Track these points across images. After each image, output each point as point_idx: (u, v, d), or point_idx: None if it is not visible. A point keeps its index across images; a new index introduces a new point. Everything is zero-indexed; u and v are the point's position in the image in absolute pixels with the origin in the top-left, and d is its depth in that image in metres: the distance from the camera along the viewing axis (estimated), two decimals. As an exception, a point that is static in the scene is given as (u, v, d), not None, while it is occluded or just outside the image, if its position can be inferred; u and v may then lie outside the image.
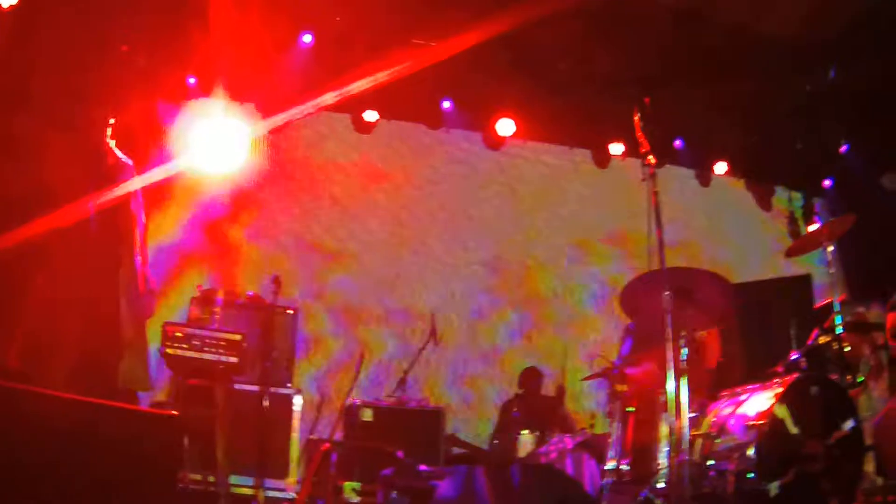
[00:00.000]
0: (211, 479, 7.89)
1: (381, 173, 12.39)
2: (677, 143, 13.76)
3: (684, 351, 6.30)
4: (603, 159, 13.57)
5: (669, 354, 5.96)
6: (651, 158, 6.42)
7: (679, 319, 6.29)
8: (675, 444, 6.34)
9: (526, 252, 13.14)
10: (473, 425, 11.57)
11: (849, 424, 6.53)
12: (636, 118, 6.71)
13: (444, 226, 12.60)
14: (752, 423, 6.23)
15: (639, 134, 6.65)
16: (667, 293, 5.95)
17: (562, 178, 13.53)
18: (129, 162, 7.72)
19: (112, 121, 7.69)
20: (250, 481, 8.59)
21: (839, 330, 7.50)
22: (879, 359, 8.24)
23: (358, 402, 9.93)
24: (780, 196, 15.55)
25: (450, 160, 12.85)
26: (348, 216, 12.14)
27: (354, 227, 12.09)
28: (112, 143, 7.61)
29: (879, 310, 8.55)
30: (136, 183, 7.73)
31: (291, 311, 9.92)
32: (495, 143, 12.95)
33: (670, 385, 6.02)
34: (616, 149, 12.81)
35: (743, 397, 6.70)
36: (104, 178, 7.37)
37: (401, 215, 12.42)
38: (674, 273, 6.22)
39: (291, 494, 8.91)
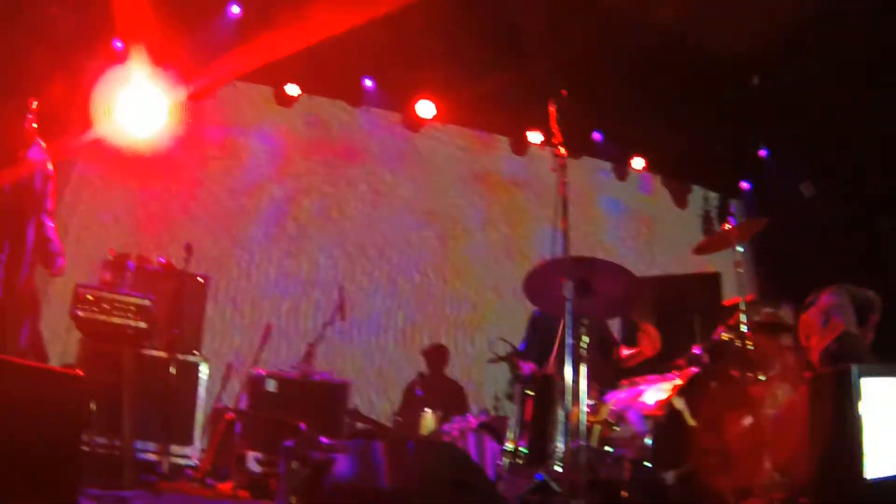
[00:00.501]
0: (117, 443, 7.89)
1: (299, 147, 12.41)
2: (596, 136, 13.90)
3: (584, 339, 6.37)
4: (521, 147, 13.70)
5: (569, 342, 6.04)
6: (562, 149, 6.48)
7: (579, 308, 6.37)
8: (573, 430, 6.44)
9: (438, 232, 13.22)
10: (377, 401, 11.61)
11: (747, 420, 6.67)
12: (552, 109, 6.77)
13: (357, 202, 12.63)
14: (650, 413, 6.34)
15: (553, 124, 6.70)
16: (567, 282, 6.02)
17: (479, 163, 13.65)
18: (43, 144, 7.75)
19: (35, 104, 7.71)
20: (155, 447, 8.62)
21: (744, 328, 7.66)
22: (786, 359, 8.37)
23: (263, 372, 9.91)
24: (697, 195, 15.74)
25: (368, 138, 12.88)
26: (262, 188, 12.14)
27: (268, 198, 12.08)
28: (34, 127, 7.65)
29: (790, 312, 8.68)
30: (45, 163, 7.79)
31: (202, 280, 9.94)
32: (415, 124, 13.00)
33: (569, 372, 6.11)
34: (535, 137, 12.89)
35: (643, 387, 6.81)
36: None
37: (315, 190, 12.44)
38: (576, 262, 6.28)
39: (195, 462, 8.92)
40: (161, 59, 10.67)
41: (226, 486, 8.35)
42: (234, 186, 11.89)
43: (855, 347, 8.76)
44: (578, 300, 6.24)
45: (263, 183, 12.14)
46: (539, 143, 12.96)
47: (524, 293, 6.86)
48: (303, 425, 8.65)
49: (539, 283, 6.70)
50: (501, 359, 7.69)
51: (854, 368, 5.83)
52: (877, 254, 10.08)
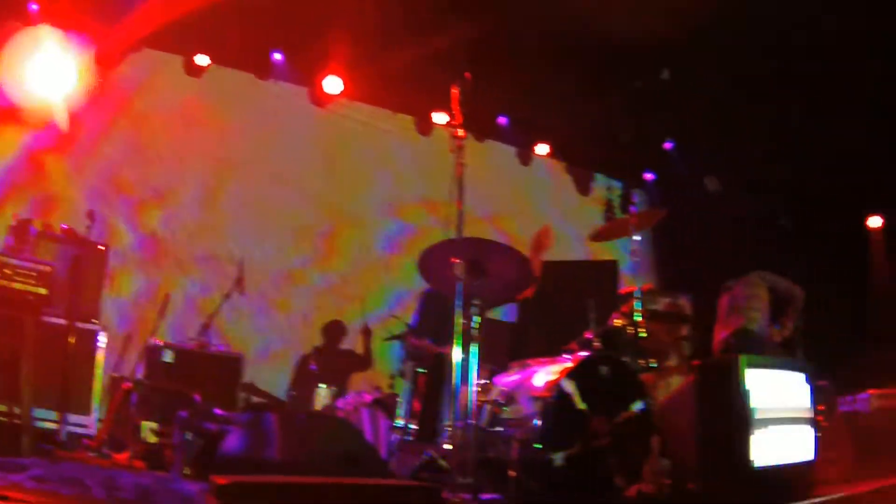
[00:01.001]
0: (16, 410, 7.85)
1: (206, 118, 12.27)
2: (502, 120, 13.99)
3: (476, 319, 6.44)
4: (426, 127, 13.79)
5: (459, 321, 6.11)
6: (460, 131, 6.54)
7: (471, 288, 6.45)
8: (463, 409, 6.52)
9: (340, 209, 13.23)
10: (274, 376, 11.57)
11: (638, 406, 6.76)
12: (455, 91, 6.82)
13: (260, 176, 12.55)
14: (539, 394, 6.39)
15: (455, 106, 6.76)
16: (459, 262, 6.09)
17: (383, 142, 13.66)
18: None
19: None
20: (53, 415, 8.56)
21: (637, 316, 7.78)
22: (682, 349, 8.49)
23: (160, 342, 9.87)
24: (600, 183, 15.90)
25: (275, 112, 12.81)
26: (168, 157, 11.99)
27: (173, 168, 11.95)
28: None
29: (688, 302, 8.80)
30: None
31: (103, 248, 9.83)
32: (322, 100, 12.97)
33: (459, 351, 6.19)
34: (440, 118, 12.92)
35: (533, 369, 6.87)
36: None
37: (220, 162, 12.35)
38: (469, 243, 6.35)
39: (93, 431, 8.88)
40: (71, 23, 10.60)
41: (122, 456, 8.29)
42: (137, 155, 11.76)
43: (750, 344, 8.94)
44: (470, 281, 6.32)
45: (166, 153, 12.00)
46: (444, 124, 12.97)
47: (419, 272, 6.94)
48: (197, 397, 8.67)
49: (433, 263, 6.77)
50: (395, 337, 7.74)
51: (742, 358, 5.97)
52: (779, 250, 10.24)
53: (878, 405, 11.35)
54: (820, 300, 12.18)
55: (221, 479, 3.58)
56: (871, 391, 11.75)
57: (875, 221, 15.86)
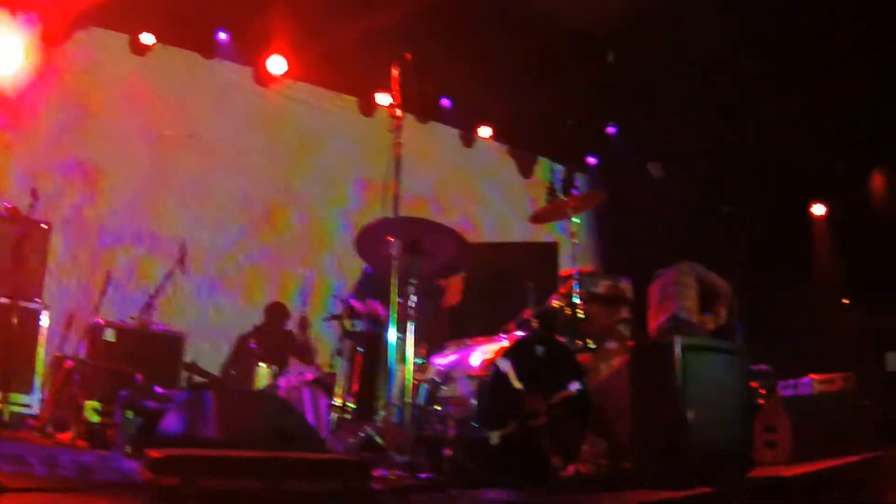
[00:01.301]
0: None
1: (151, 97, 12.19)
2: (445, 102, 14.04)
3: (412, 298, 6.50)
4: (369, 108, 13.84)
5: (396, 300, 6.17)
6: (398, 111, 6.59)
7: (408, 268, 6.51)
8: (400, 387, 6.58)
9: (283, 189, 13.26)
10: (216, 355, 11.58)
11: (574, 386, 6.83)
12: (395, 71, 6.88)
13: (203, 155, 12.52)
14: (475, 373, 6.44)
15: (395, 87, 6.81)
16: (395, 240, 6.14)
17: (327, 122, 13.69)
18: None
19: None
20: (-4, 395, 8.55)
21: (576, 298, 7.85)
22: (621, 332, 8.57)
23: (102, 321, 9.86)
24: (543, 167, 15.98)
25: (219, 91, 12.80)
26: (113, 136, 11.90)
27: (118, 147, 11.85)
28: None
29: (629, 286, 8.88)
30: None
31: (45, 226, 9.83)
32: (266, 80, 12.99)
33: (395, 331, 6.25)
34: (383, 99, 12.92)
35: (470, 349, 6.91)
36: None
37: (164, 141, 12.24)
38: (405, 222, 6.40)
39: (36, 410, 8.88)
40: (17, 1, 10.56)
41: (65, 436, 8.29)
42: (82, 134, 11.67)
43: (685, 330, 9.07)
44: (407, 260, 6.39)
45: (111, 132, 11.91)
46: (387, 105, 13.00)
47: (355, 251, 6.98)
48: (139, 376, 8.68)
49: (369, 242, 6.82)
50: (335, 317, 7.76)
51: (677, 339, 6.05)
52: (721, 235, 10.35)
53: (820, 390, 11.52)
54: (762, 287, 12.33)
55: (155, 453, 3.63)
56: (812, 376, 11.91)
57: (818, 209, 16.06)
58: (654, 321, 10.01)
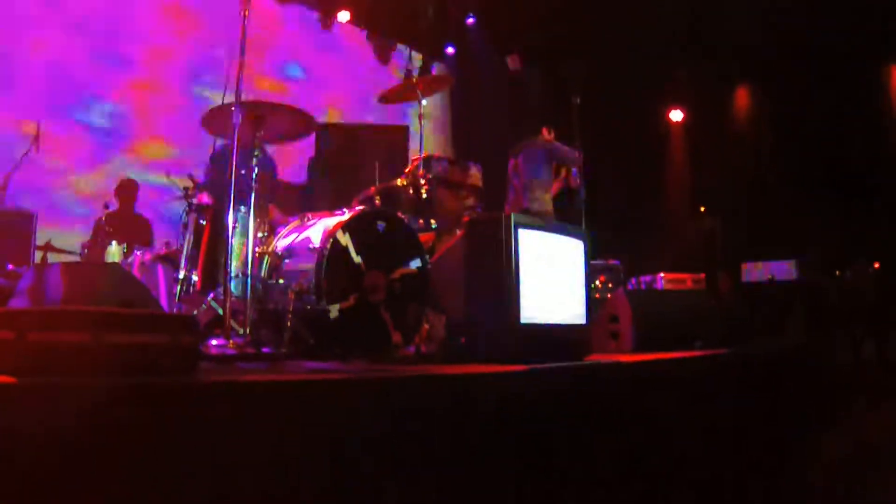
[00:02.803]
0: None
1: None
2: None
3: (255, 170, 6.58)
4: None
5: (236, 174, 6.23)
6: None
7: (250, 138, 6.60)
8: (241, 260, 6.69)
9: (141, 72, 13.25)
10: (70, 236, 11.52)
11: (415, 263, 7.01)
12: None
13: (56, 32, 12.39)
14: (314, 246, 6.53)
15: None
16: (237, 110, 6.20)
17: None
18: None
19: None
20: None
21: (421, 180, 8.00)
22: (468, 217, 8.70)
23: (-50, 202, 9.81)
24: (401, 54, 16.10)
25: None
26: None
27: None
28: None
29: (478, 173, 9.00)
30: None
31: None
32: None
33: (238, 203, 6.33)
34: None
35: (311, 222, 7.03)
36: None
37: (16, 20, 12.02)
38: (248, 105, 6.49)
39: None
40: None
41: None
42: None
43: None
44: (250, 131, 6.49)
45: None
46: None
47: (202, 126, 7.04)
48: (-11, 253, 8.68)
49: (216, 118, 6.88)
50: (182, 196, 7.76)
51: (512, 216, 6.19)
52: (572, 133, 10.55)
53: (670, 288, 11.90)
54: (619, 187, 12.63)
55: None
56: (664, 274, 12.28)
57: (676, 115, 16.45)
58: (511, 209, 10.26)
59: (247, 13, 6.45)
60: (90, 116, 12.66)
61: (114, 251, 9.64)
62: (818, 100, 14.15)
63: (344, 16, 14.88)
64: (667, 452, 5.97)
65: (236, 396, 3.59)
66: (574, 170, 10.67)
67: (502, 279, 6.03)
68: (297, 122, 7.15)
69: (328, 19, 15.13)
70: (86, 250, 10.24)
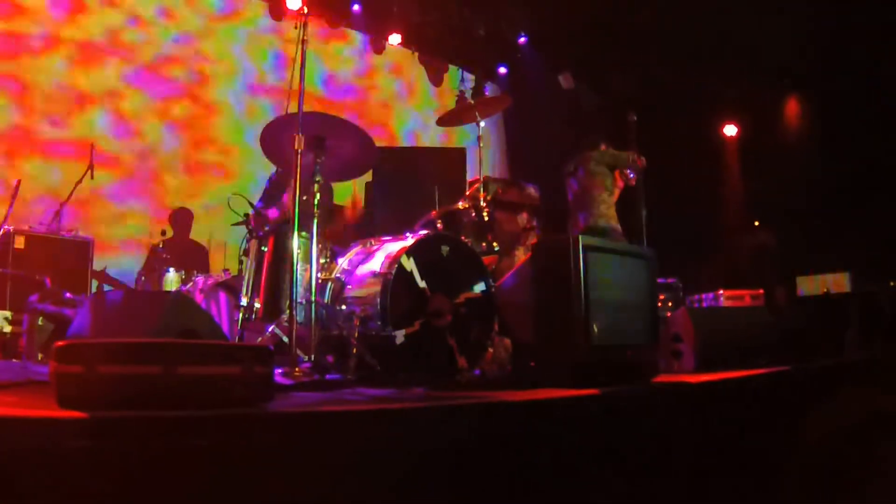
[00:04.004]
0: None
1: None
2: (355, 8, 14.07)
3: (318, 196, 6.52)
4: (278, 13, 13.89)
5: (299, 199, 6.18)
6: (305, 9, 6.59)
7: (312, 164, 6.54)
8: (305, 287, 6.63)
9: (198, 95, 13.25)
10: (126, 263, 11.55)
11: (479, 287, 6.93)
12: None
13: (111, 60, 12.46)
14: (379, 272, 6.50)
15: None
16: (298, 136, 6.15)
17: (234, 25, 13.75)
18: None
19: None
20: None
21: (482, 202, 7.92)
22: (528, 239, 8.63)
23: (10, 229, 9.83)
24: (454, 75, 16.08)
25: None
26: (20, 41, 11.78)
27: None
28: None
29: (535, 193, 8.93)
30: None
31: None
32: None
33: (300, 229, 6.27)
34: (293, 3, 12.84)
35: (375, 248, 6.97)
36: None
37: (75, 45, 12.13)
38: (309, 118, 6.40)
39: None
40: None
41: (-21, 349, 8.30)
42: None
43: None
44: (311, 156, 6.42)
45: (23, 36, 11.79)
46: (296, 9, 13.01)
47: (261, 147, 6.99)
48: (47, 280, 8.68)
49: (274, 138, 6.83)
50: (242, 222, 7.72)
51: (580, 239, 6.10)
52: (626, 143, 10.47)
53: (729, 304, 11.75)
54: (674, 204, 12.51)
55: (60, 343, 3.68)
56: (722, 291, 12.14)
57: (731, 130, 16.35)
58: (572, 233, 10.17)
59: (305, 37, 6.42)
60: (147, 143, 12.61)
61: (172, 278, 9.64)
62: (866, 109, 13.98)
63: (395, 38, 14.85)
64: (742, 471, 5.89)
65: (309, 427, 3.54)
66: (630, 172, 10.56)
67: (572, 302, 5.94)
68: (357, 146, 7.06)
69: (380, 42, 15.14)
70: (143, 278, 10.25)
